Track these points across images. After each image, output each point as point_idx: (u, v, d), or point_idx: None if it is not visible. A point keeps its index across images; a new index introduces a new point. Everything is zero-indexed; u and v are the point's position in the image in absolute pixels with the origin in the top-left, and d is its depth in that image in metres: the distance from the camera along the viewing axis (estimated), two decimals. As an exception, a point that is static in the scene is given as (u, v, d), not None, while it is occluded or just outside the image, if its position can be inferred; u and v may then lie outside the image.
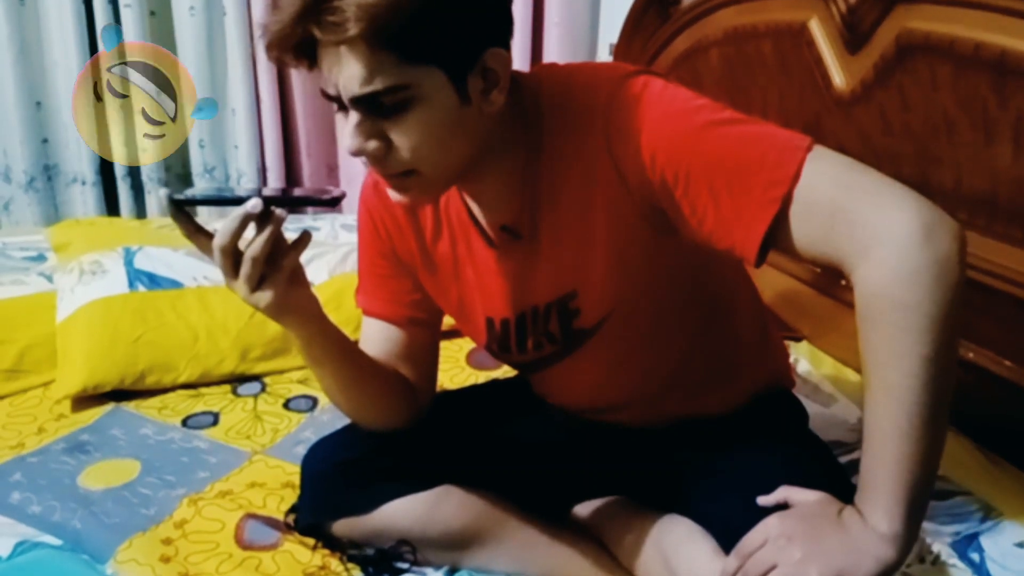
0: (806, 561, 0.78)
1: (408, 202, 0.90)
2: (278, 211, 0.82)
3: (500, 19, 0.84)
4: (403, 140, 0.82)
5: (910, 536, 0.78)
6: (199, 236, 0.84)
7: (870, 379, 0.78)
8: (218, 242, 0.82)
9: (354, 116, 0.81)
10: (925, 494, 0.79)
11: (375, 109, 0.80)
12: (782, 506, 0.87)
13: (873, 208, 0.76)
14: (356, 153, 0.83)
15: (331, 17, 0.75)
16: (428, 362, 1.12)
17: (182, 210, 0.83)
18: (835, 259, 0.78)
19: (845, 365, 1.55)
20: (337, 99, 0.82)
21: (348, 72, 0.78)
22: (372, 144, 0.82)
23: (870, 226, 0.76)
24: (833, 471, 1.03)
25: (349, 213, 2.23)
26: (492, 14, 0.83)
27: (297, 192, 0.89)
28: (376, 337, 1.08)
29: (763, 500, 0.88)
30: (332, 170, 2.61)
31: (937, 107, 1.28)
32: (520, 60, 2.25)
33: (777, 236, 0.80)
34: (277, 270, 0.84)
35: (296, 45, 0.79)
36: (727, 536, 0.91)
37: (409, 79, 0.79)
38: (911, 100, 1.32)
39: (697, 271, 0.97)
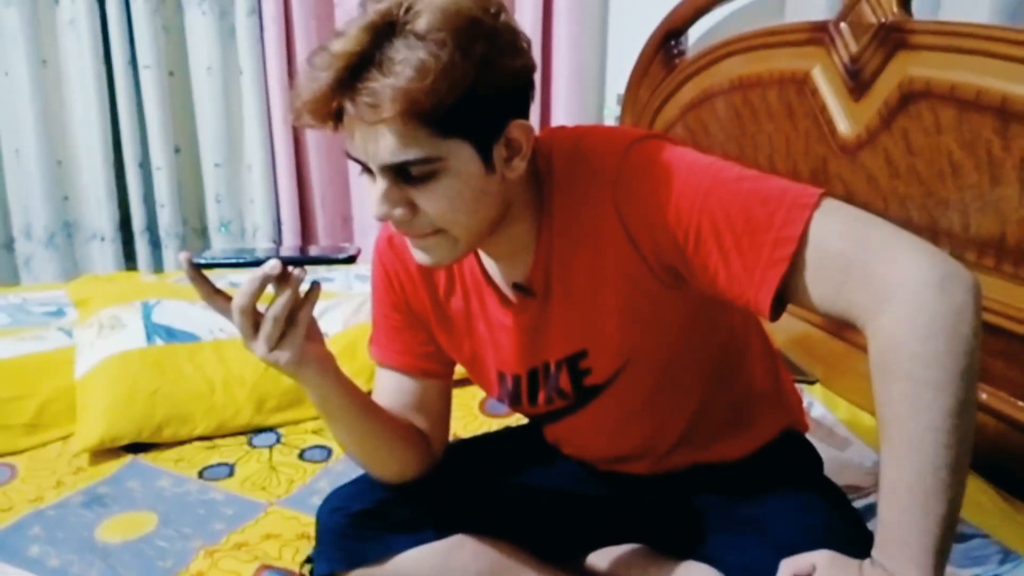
0: None
1: (433, 264, 0.92)
2: (295, 271, 0.84)
3: (525, 92, 0.86)
4: (430, 206, 0.84)
5: None
6: (216, 297, 0.86)
7: (889, 431, 0.77)
8: (238, 303, 0.84)
9: (381, 183, 0.83)
10: (950, 542, 0.78)
11: (403, 177, 0.82)
12: None
13: (884, 262, 0.76)
14: (383, 219, 0.85)
15: (366, 99, 0.77)
16: (441, 412, 1.13)
17: (200, 273, 0.85)
18: (849, 314, 0.78)
19: (860, 408, 1.55)
20: (363, 163, 0.84)
21: (379, 144, 0.80)
22: (399, 211, 0.84)
23: (882, 280, 0.76)
24: (848, 517, 1.02)
25: (363, 264, 2.25)
26: (520, 88, 0.86)
27: (313, 252, 0.90)
28: (389, 388, 1.09)
29: None
30: (346, 221, 2.65)
31: (942, 150, 1.29)
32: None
33: (789, 293, 0.80)
34: (294, 326, 0.85)
35: (326, 113, 0.80)
36: (746, 582, 0.91)
37: (439, 152, 0.81)
38: (916, 144, 1.33)
39: (708, 324, 0.98)
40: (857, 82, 1.42)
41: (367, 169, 0.84)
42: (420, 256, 0.90)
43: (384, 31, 0.78)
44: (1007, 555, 1.11)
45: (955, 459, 0.75)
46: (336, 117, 0.81)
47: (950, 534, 0.77)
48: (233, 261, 0.86)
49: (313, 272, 0.87)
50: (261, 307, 0.85)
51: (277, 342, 0.85)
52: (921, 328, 0.74)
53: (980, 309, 0.75)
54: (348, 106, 0.79)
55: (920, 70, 1.30)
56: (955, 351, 0.73)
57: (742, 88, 1.71)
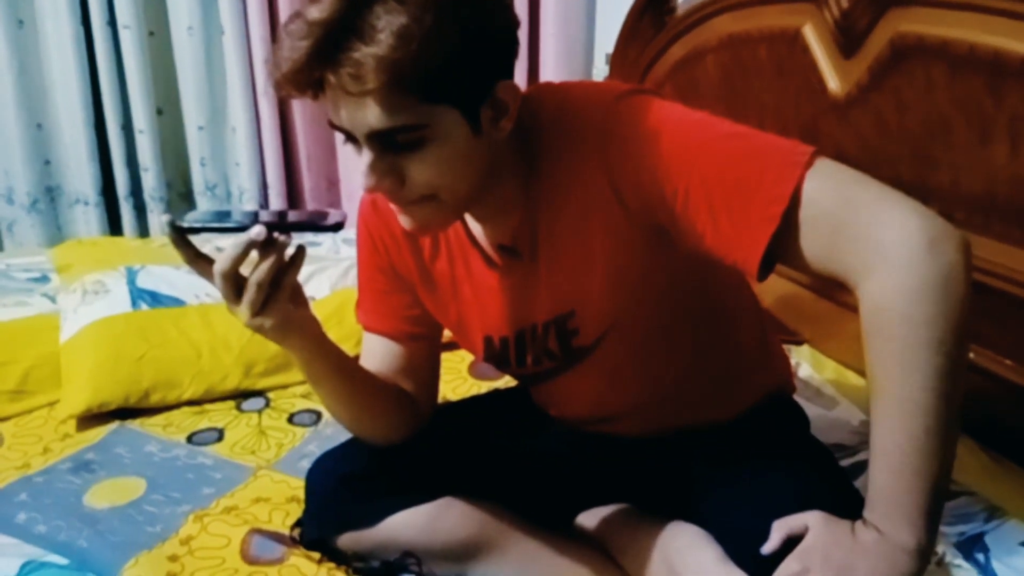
0: None
1: (423, 230, 0.90)
2: (281, 237, 0.82)
3: (510, 51, 0.84)
4: (418, 174, 0.82)
5: (932, 545, 0.79)
6: (199, 262, 0.84)
7: (880, 392, 0.77)
8: (219, 268, 0.82)
9: (367, 154, 0.81)
10: (942, 502, 0.79)
11: (390, 145, 0.80)
12: (793, 541, 0.85)
13: (875, 223, 0.75)
14: (372, 191, 0.83)
15: (349, 69, 0.74)
16: (429, 375, 1.12)
17: (183, 236, 0.83)
18: (839, 274, 0.78)
19: (847, 368, 1.55)
20: (347, 132, 0.81)
21: (364, 113, 0.78)
22: (387, 181, 0.82)
23: (872, 242, 0.75)
24: (835, 477, 1.03)
25: (350, 227, 2.24)
26: (505, 47, 0.83)
27: (299, 217, 0.89)
28: (377, 352, 1.09)
29: (767, 548, 0.85)
30: (333, 185, 2.63)
31: (933, 108, 1.28)
32: (517, 71, 2.26)
33: (779, 252, 0.79)
34: (278, 291, 0.84)
35: (307, 84, 0.78)
36: (733, 542, 0.92)
37: (426, 118, 0.79)
38: (906, 102, 1.32)
39: (696, 284, 0.97)
40: (848, 39, 1.40)
41: (351, 138, 0.82)
42: (408, 223, 0.89)
43: None
44: (993, 512, 1.12)
45: (947, 419, 0.75)
46: (317, 86, 0.78)
47: (942, 494, 0.78)
48: (217, 225, 0.84)
49: (300, 236, 0.85)
50: (246, 271, 0.84)
51: (261, 308, 0.84)
52: (912, 289, 0.73)
53: (971, 269, 0.75)
54: (330, 77, 0.76)
55: (912, 26, 1.28)
56: (946, 311, 0.73)
57: (732, 46, 1.68)
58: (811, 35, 1.47)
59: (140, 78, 2.36)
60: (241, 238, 0.81)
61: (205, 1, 2.38)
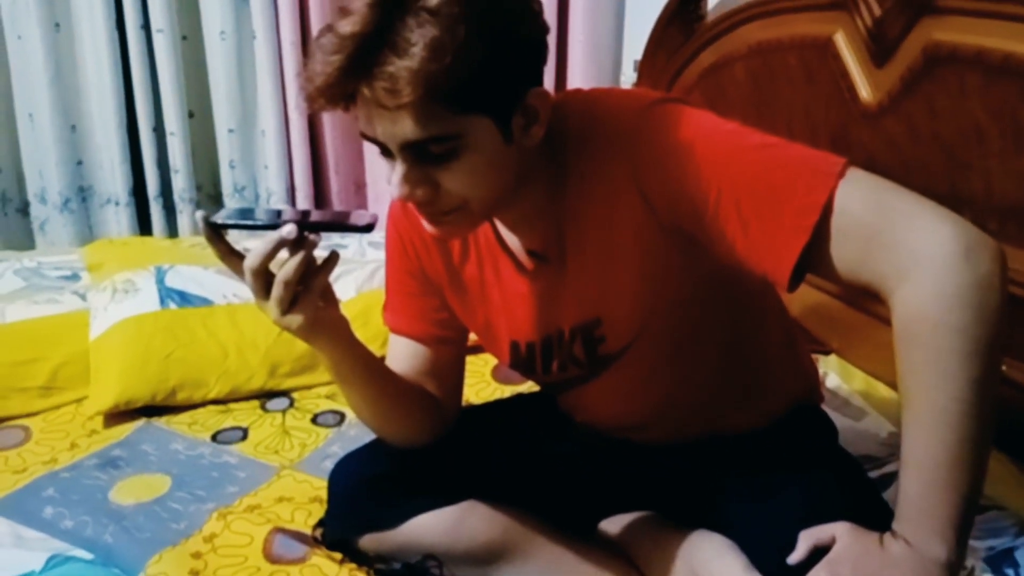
0: None
1: (448, 237, 0.90)
2: (310, 236, 0.83)
3: (540, 58, 0.84)
4: (451, 184, 0.83)
5: (962, 559, 0.77)
6: (232, 258, 0.85)
7: (913, 402, 0.76)
8: (249, 264, 0.83)
9: (400, 166, 0.81)
10: (973, 515, 0.78)
11: (423, 156, 0.80)
12: (820, 551, 0.84)
13: (910, 231, 0.75)
14: (406, 200, 0.83)
15: (383, 84, 0.74)
16: (454, 379, 1.12)
17: (217, 232, 0.84)
18: (872, 283, 0.77)
19: (875, 379, 1.53)
20: (380, 143, 0.82)
21: (398, 126, 0.78)
22: (420, 191, 0.83)
23: (907, 249, 0.74)
24: (865, 488, 1.02)
25: (378, 231, 2.24)
26: (536, 54, 0.84)
27: (330, 217, 0.89)
28: (403, 354, 1.09)
29: (793, 558, 0.84)
30: (360, 188, 2.64)
31: (966, 116, 1.26)
32: (545, 78, 2.26)
33: (811, 262, 0.79)
34: (307, 291, 0.84)
35: (340, 97, 0.78)
36: (759, 552, 0.91)
37: (459, 129, 0.79)
38: (939, 110, 1.31)
39: (724, 292, 0.96)
40: (880, 47, 1.38)
41: (385, 150, 0.82)
42: (433, 229, 0.89)
43: (392, 7, 0.75)
44: (1023, 527, 1.10)
45: (980, 431, 0.74)
46: (349, 99, 0.79)
47: (973, 507, 0.77)
48: (249, 223, 0.85)
49: (327, 238, 0.86)
50: (278, 269, 0.84)
51: (289, 306, 0.84)
52: (947, 298, 0.72)
53: (1007, 279, 0.74)
54: (364, 90, 0.76)
55: (945, 35, 1.27)
56: (981, 320, 0.72)
57: (762, 53, 1.68)
58: (843, 43, 1.46)
59: (172, 81, 2.39)
60: (271, 236, 0.82)
61: (238, 6, 2.40)
